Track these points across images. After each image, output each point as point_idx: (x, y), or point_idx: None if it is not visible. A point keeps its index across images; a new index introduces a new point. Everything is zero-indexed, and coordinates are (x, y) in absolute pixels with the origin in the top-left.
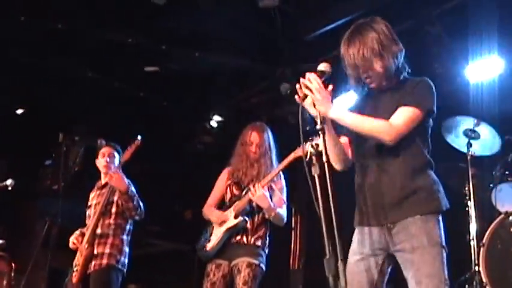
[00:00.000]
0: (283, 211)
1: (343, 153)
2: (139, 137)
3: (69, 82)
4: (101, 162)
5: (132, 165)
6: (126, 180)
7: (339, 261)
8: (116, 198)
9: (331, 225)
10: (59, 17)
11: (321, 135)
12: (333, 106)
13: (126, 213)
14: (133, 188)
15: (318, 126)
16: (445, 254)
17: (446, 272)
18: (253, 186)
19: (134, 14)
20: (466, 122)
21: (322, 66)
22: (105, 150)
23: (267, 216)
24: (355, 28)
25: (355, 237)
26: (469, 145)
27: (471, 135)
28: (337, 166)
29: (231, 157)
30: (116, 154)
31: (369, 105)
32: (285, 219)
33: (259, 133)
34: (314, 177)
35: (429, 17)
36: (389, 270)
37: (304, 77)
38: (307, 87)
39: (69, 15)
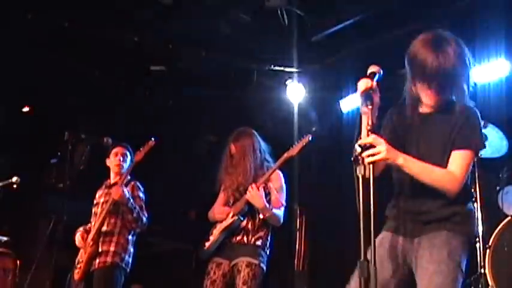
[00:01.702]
0: (279, 212)
1: None
2: (153, 139)
3: (75, 80)
4: (112, 162)
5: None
6: (126, 193)
7: (372, 266)
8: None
9: (369, 228)
10: (65, 15)
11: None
12: (399, 154)
13: (126, 224)
14: (141, 197)
15: (368, 127)
16: (461, 278)
17: None
18: (250, 187)
19: (141, 13)
20: None
21: (373, 68)
22: (117, 150)
23: (261, 216)
24: (440, 38)
25: (383, 241)
26: None
27: None
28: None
29: None
30: (128, 154)
31: (416, 128)
32: (281, 220)
33: (235, 143)
34: (358, 177)
35: (437, 18)
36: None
37: None
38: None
39: (75, 13)
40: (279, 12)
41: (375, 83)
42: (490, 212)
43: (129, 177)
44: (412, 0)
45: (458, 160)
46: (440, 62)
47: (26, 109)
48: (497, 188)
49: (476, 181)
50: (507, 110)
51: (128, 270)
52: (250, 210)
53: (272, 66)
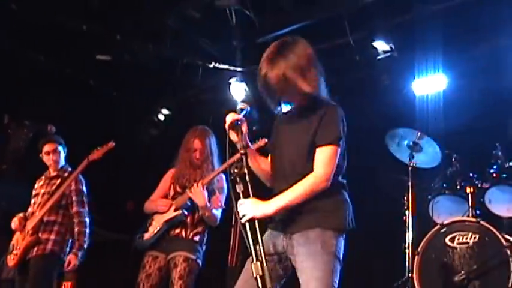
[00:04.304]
0: (218, 212)
1: (267, 174)
2: (113, 142)
3: (19, 65)
4: (46, 160)
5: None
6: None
7: (264, 264)
8: (68, 192)
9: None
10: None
11: (244, 159)
12: (265, 205)
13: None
14: (82, 191)
15: (242, 151)
16: (338, 265)
17: (336, 280)
18: (195, 184)
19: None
20: (409, 135)
21: (241, 105)
22: (48, 148)
23: (200, 214)
24: (276, 49)
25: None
26: (411, 156)
27: (414, 147)
28: (268, 183)
29: (175, 157)
30: (60, 148)
31: (283, 132)
32: (218, 221)
33: (202, 140)
34: (238, 193)
35: (380, 30)
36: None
37: None
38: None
39: None
40: (227, 11)
41: (241, 116)
42: (421, 219)
43: (69, 169)
44: (357, 11)
45: (319, 158)
46: (274, 76)
47: None
48: (429, 197)
49: (410, 190)
50: (444, 122)
51: (65, 259)
52: (191, 205)
53: (217, 64)
